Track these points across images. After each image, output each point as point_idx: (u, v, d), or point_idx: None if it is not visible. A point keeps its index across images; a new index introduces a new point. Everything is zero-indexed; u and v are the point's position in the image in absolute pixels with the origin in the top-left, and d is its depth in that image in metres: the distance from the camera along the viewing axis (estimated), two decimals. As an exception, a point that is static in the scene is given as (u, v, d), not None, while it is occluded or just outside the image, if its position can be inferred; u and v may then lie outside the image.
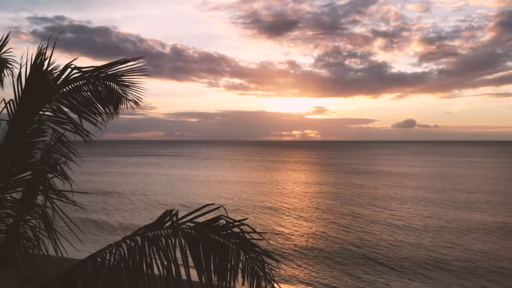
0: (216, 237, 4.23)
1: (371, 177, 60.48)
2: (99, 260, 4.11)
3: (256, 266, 4.43)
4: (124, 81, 5.37)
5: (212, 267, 4.26)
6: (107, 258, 4.09)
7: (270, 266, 4.49)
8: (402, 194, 42.46)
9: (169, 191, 44.45)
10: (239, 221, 4.28)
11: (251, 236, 4.38)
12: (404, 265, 19.10)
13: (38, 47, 4.70)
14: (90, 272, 4.07)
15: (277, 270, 4.69)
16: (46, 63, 4.78)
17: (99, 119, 5.37)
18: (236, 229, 4.31)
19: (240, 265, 4.41)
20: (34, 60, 4.53)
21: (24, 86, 4.45)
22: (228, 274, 4.35)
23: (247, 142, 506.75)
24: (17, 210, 4.87)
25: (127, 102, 5.61)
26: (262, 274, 4.48)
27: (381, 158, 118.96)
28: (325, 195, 42.64)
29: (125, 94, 5.51)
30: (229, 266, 4.31)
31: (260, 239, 4.41)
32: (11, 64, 6.81)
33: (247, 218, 4.59)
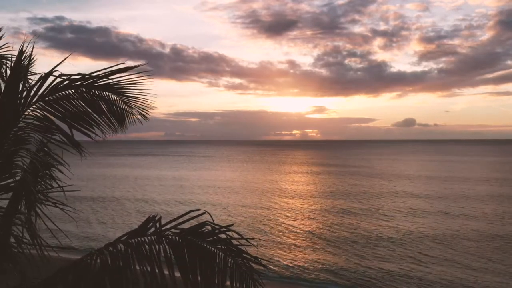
0: (202, 244, 4.11)
1: (369, 177, 60.34)
2: (81, 266, 4.01)
3: (244, 273, 4.32)
4: (125, 92, 4.63)
5: (198, 273, 4.15)
6: (90, 264, 4.00)
7: (258, 272, 4.38)
8: (396, 195, 42.34)
9: (158, 194, 44.20)
10: (225, 227, 4.17)
11: (238, 242, 4.26)
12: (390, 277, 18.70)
13: (20, 47, 4.44)
14: (71, 279, 3.99)
15: (266, 275, 4.57)
16: (35, 61, 4.53)
17: (98, 131, 4.71)
18: (222, 235, 4.19)
19: (228, 271, 4.30)
20: (15, 61, 4.30)
21: (4, 90, 4.24)
22: (216, 280, 4.25)
23: (248, 142, 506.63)
24: (1, 218, 4.74)
25: (132, 116, 4.86)
26: (250, 280, 4.37)
27: (381, 158, 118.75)
28: (316, 196, 42.52)
29: (129, 106, 4.77)
30: (216, 272, 4.20)
31: (248, 245, 4.30)
32: (6, 61, 6.60)
33: (233, 224, 4.47)
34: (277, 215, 31.43)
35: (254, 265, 4.38)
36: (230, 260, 4.25)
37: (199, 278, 4.16)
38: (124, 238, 4.07)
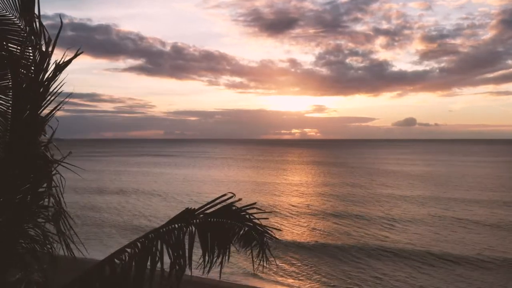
0: (223, 220, 4.59)
1: (368, 177, 60.42)
2: (117, 262, 4.15)
3: (256, 235, 4.81)
4: None
5: (216, 242, 4.55)
6: (124, 259, 4.17)
7: (270, 235, 4.91)
8: (394, 195, 42.22)
9: (178, 191, 44.39)
10: (249, 205, 4.68)
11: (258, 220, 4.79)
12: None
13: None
14: (109, 275, 4.07)
15: (276, 239, 5.04)
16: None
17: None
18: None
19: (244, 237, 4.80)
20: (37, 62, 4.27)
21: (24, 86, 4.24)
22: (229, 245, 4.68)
23: (247, 141, 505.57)
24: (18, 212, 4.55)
25: None
26: (261, 243, 4.88)
27: (380, 157, 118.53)
28: (314, 196, 42.58)
29: None
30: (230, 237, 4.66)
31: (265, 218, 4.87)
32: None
33: (256, 203, 4.84)
34: (275, 215, 31.45)
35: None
36: (244, 227, 4.71)
37: (216, 246, 4.53)
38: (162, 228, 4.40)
